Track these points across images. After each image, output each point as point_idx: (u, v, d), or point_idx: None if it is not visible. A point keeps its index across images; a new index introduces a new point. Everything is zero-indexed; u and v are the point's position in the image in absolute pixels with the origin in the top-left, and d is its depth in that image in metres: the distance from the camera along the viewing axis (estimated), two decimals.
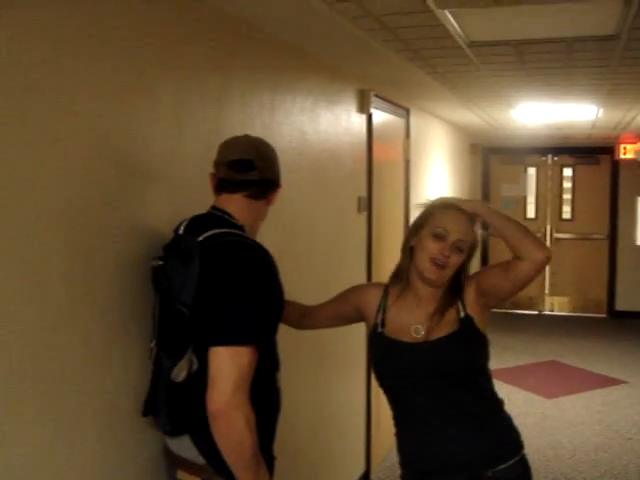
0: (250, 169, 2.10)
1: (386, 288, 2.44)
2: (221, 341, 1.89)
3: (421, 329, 2.31)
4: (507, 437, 2.38)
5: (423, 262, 2.28)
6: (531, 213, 10.72)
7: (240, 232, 2.05)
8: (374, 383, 4.70)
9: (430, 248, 2.26)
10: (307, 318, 2.59)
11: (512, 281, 2.23)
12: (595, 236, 10.39)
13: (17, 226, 1.72)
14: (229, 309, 1.91)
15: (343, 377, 4.37)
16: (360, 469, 4.73)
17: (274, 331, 2.08)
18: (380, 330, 2.37)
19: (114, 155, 2.07)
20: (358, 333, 4.57)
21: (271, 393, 2.15)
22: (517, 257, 2.19)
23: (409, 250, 2.36)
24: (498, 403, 2.41)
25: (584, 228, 10.46)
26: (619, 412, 6.33)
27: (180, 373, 1.97)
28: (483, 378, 2.37)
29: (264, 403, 2.06)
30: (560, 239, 10.55)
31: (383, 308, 2.39)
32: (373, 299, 2.43)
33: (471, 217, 2.30)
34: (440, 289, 2.34)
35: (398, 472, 2.48)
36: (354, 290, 2.58)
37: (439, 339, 2.28)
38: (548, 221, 10.63)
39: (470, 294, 2.32)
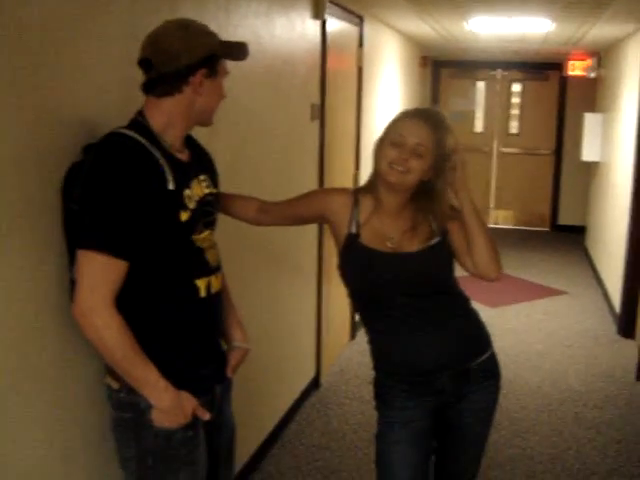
0: (149, 68, 1.99)
1: (356, 196, 2.41)
2: (79, 244, 1.86)
3: (395, 240, 2.34)
4: (482, 332, 2.53)
5: (383, 167, 2.29)
6: (479, 127, 10.79)
7: (124, 130, 1.94)
8: (325, 288, 4.82)
9: (388, 155, 2.27)
10: (265, 215, 2.52)
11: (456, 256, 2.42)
12: (541, 151, 10.53)
13: None
14: (84, 211, 1.86)
15: (294, 282, 4.42)
16: (310, 374, 4.81)
17: (156, 238, 1.94)
18: (358, 240, 2.36)
19: (68, 57, 2.01)
20: (309, 237, 4.63)
21: (188, 302, 2.06)
22: (471, 255, 2.35)
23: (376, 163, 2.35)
24: (468, 302, 2.51)
25: (530, 143, 10.58)
26: (559, 321, 6.57)
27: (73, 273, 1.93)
28: (453, 281, 2.47)
29: (176, 312, 2.03)
30: (506, 153, 10.69)
31: (356, 217, 2.38)
32: (341, 207, 2.40)
33: (440, 129, 2.28)
34: (404, 197, 2.35)
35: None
36: (319, 195, 2.57)
37: (421, 250, 2.33)
38: (495, 135, 10.73)
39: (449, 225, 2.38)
